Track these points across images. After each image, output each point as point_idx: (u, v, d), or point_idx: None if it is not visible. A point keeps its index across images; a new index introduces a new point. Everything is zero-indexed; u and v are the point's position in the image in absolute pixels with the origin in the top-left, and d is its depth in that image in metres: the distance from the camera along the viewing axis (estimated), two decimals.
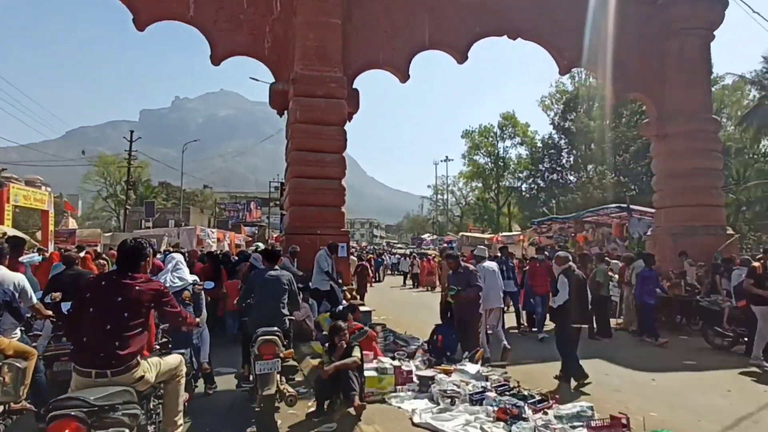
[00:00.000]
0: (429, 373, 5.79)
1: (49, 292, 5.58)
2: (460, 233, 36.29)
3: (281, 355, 4.96)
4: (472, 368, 5.91)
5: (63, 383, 4.35)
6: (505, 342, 7.92)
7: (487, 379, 5.70)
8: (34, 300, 4.92)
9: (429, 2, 11.57)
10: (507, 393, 5.19)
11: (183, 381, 3.82)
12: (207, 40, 10.59)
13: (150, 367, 3.37)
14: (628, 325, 10.77)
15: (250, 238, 36.92)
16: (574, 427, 4.43)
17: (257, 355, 4.84)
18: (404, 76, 11.55)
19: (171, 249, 12.00)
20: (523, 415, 4.50)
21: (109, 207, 50.73)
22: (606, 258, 12.16)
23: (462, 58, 11.88)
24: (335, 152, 10.54)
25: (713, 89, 14.11)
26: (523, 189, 45.33)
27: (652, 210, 14.41)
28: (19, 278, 4.81)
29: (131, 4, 10.18)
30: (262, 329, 5.06)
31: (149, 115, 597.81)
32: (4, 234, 10.69)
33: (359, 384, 5.06)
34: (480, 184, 50.80)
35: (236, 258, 11.99)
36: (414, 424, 4.70)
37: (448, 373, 5.81)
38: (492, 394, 5.09)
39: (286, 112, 11.42)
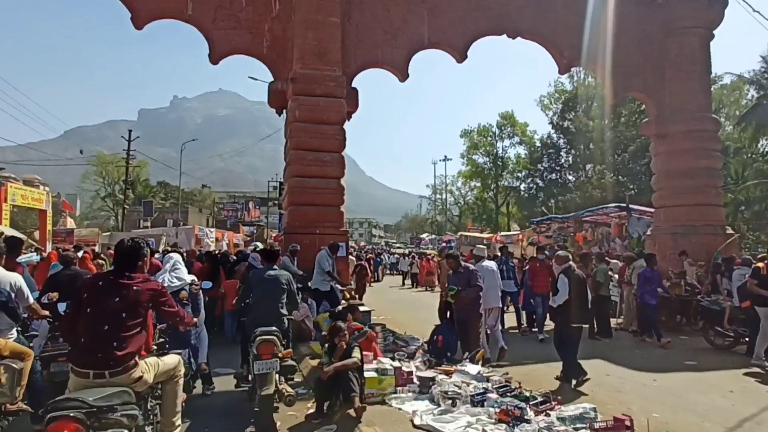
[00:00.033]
0: (429, 374, 5.75)
1: (46, 292, 5.55)
2: (459, 233, 36.27)
3: (280, 354, 4.94)
4: (472, 369, 5.87)
5: (60, 384, 4.31)
6: (503, 343, 7.91)
7: (488, 380, 5.65)
8: (31, 300, 4.89)
9: (428, 1, 11.51)
10: (508, 394, 5.16)
11: (181, 382, 3.81)
12: (205, 39, 10.53)
13: (148, 368, 3.36)
14: (628, 325, 10.74)
15: (248, 238, 36.87)
16: (577, 429, 4.39)
17: (256, 355, 4.83)
18: (403, 75, 11.50)
19: (169, 249, 11.95)
20: (525, 417, 4.46)
21: (108, 206, 50.66)
22: (606, 258, 12.14)
23: (461, 57, 11.83)
24: (334, 151, 10.49)
25: (711, 89, 14.06)
26: (522, 188, 45.35)
27: (652, 209, 14.38)
28: (16, 278, 4.77)
29: (129, 3, 10.10)
30: (260, 329, 5.05)
31: (148, 115, 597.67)
32: (2, 234, 10.63)
33: (359, 385, 5.01)
34: (479, 184, 50.81)
35: (235, 258, 11.96)
36: (415, 426, 4.66)
37: (448, 373, 5.77)
38: (493, 396, 5.05)
39: (285, 111, 11.37)
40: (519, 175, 45.89)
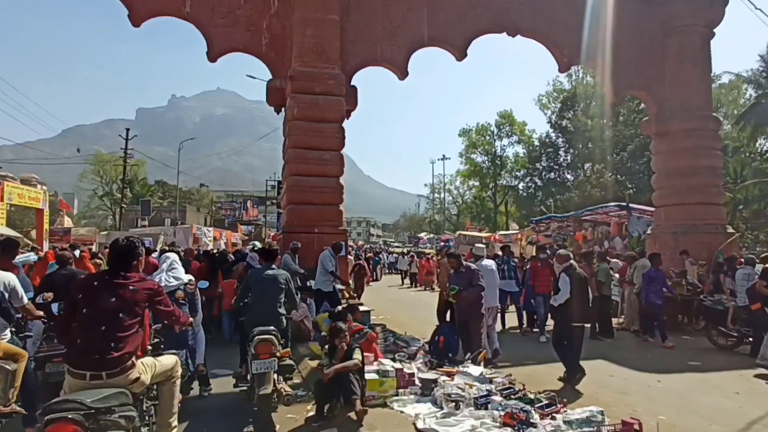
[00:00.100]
0: (431, 375, 5.65)
1: (41, 292, 5.47)
2: (458, 232, 36.21)
3: (278, 354, 4.92)
4: (475, 370, 5.77)
5: (55, 385, 4.24)
6: (497, 344, 7.87)
7: (491, 381, 5.56)
8: (25, 300, 4.80)
9: None
10: (513, 396, 5.07)
11: (178, 382, 3.77)
12: (203, 37, 10.43)
13: (145, 369, 3.33)
14: (630, 324, 10.67)
15: (246, 237, 36.83)
16: None
17: (254, 355, 4.82)
18: (403, 73, 11.41)
19: (167, 248, 11.87)
20: (531, 420, 4.36)
21: (105, 205, 50.54)
22: (607, 257, 12.06)
23: (461, 55, 11.74)
24: (333, 150, 10.41)
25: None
26: (521, 188, 45.27)
27: (652, 208, 14.33)
28: (10, 278, 4.68)
29: (127, 0, 10.01)
30: (258, 328, 5.03)
31: (146, 114, 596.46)
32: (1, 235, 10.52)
33: (360, 387, 4.92)
34: (477, 183, 50.73)
35: (233, 257, 11.87)
36: (418, 430, 4.57)
37: (450, 375, 5.68)
38: (497, 398, 4.96)
39: (283, 109, 11.28)
40: (517, 174, 45.81)
